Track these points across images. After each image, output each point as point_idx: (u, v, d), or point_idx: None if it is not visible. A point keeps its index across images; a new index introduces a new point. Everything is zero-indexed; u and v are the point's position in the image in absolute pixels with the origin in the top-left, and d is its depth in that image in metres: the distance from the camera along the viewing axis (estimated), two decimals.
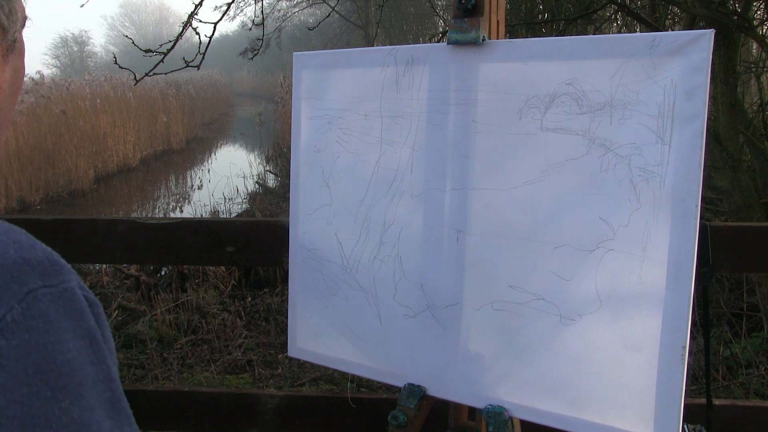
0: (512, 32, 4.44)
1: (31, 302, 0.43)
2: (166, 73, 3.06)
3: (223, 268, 4.97)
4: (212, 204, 8.62)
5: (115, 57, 3.15)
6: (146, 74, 3.06)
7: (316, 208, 1.36)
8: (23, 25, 0.58)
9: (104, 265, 5.34)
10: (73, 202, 10.11)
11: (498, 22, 1.18)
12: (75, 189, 10.61)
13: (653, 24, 3.90)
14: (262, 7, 4.12)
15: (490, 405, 1.17)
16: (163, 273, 5.16)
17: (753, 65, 4.25)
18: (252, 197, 9.07)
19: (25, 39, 0.60)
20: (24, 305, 0.43)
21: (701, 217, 0.99)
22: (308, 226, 1.38)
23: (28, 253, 0.45)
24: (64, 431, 0.42)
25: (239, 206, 8.81)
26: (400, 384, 1.27)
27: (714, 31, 0.96)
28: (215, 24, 3.25)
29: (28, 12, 0.57)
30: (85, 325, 0.46)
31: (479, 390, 1.19)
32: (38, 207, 9.79)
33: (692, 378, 2.76)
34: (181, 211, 9.33)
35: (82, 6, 3.55)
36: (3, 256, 0.44)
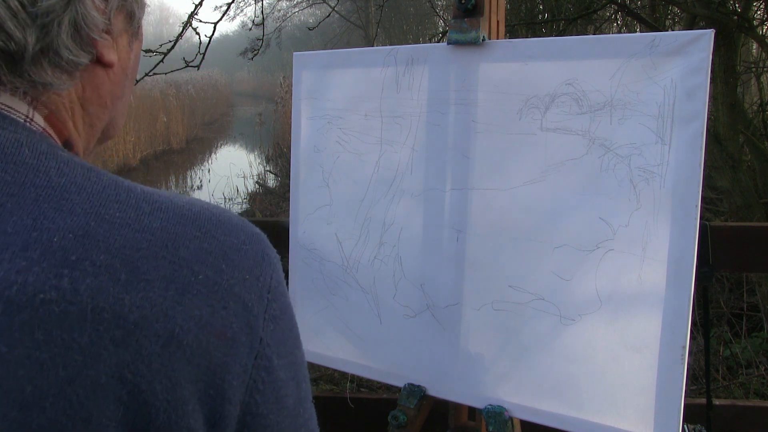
0: (512, 32, 4.43)
1: (275, 268, 0.51)
2: (166, 73, 3.06)
3: None
4: None
5: None
6: (146, 74, 3.06)
7: (316, 208, 1.36)
8: (144, 11, 0.62)
9: None
10: None
11: (498, 22, 1.18)
12: None
13: (653, 24, 3.90)
14: (262, 7, 4.12)
15: (490, 405, 1.17)
16: None
17: (753, 65, 4.25)
18: (252, 197, 9.07)
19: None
20: (274, 272, 0.51)
21: (701, 217, 0.99)
22: (308, 226, 1.38)
23: (256, 229, 0.52)
24: (306, 372, 0.54)
25: (239, 206, 8.81)
26: (400, 384, 1.27)
27: (714, 31, 0.96)
28: (215, 24, 3.24)
29: None
30: (286, 285, 0.55)
31: (479, 390, 1.19)
32: None
33: (692, 378, 2.76)
34: None
35: None
36: (249, 231, 0.51)
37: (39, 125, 0.50)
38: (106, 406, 0.41)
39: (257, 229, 0.52)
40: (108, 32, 0.53)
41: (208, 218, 0.49)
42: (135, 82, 0.66)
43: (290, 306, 0.53)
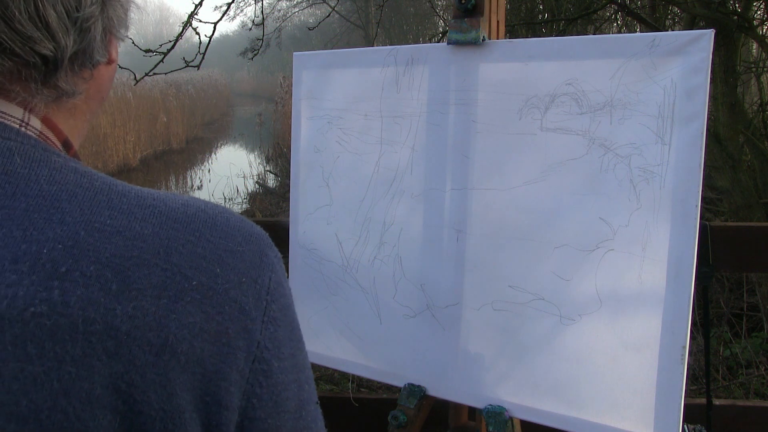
0: (512, 32, 4.44)
1: (276, 270, 0.51)
2: (166, 73, 3.06)
3: None
4: None
5: None
6: (146, 74, 3.06)
7: (316, 208, 1.36)
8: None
9: None
10: None
11: (498, 22, 1.18)
12: None
13: (653, 24, 3.90)
14: (262, 7, 4.12)
15: (490, 405, 1.17)
16: None
17: (753, 65, 4.25)
18: (252, 197, 9.06)
19: None
20: (274, 274, 0.50)
21: (701, 217, 0.99)
22: (308, 226, 1.38)
23: (256, 229, 0.52)
24: (310, 374, 0.53)
25: (239, 206, 8.80)
26: (400, 384, 1.27)
27: (714, 31, 0.96)
28: (215, 24, 3.24)
29: None
30: (289, 286, 0.54)
31: (479, 390, 1.19)
32: None
33: (692, 378, 2.76)
34: None
35: None
36: (248, 233, 0.50)
37: (35, 129, 0.49)
38: (102, 417, 0.41)
39: (257, 229, 0.52)
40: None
41: (204, 221, 0.48)
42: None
43: (292, 306, 0.52)
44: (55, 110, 0.51)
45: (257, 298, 0.48)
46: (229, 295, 0.46)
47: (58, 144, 0.52)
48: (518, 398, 1.15)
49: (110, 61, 0.55)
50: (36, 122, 0.49)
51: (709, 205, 4.33)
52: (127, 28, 0.57)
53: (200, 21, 3.19)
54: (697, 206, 0.98)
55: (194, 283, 0.45)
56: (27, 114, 0.49)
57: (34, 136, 0.49)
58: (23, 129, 0.48)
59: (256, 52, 4.25)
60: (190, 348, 0.44)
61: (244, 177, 10.10)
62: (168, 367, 0.43)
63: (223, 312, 0.46)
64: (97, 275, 0.42)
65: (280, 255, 0.53)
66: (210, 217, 0.49)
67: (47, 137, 0.50)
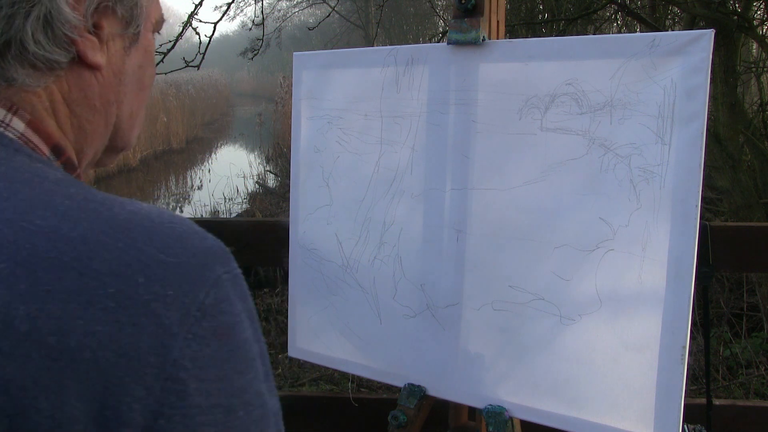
0: (512, 32, 4.44)
1: (219, 286, 0.48)
2: (166, 73, 3.06)
3: None
4: (212, 204, 8.62)
5: None
6: None
7: (316, 208, 1.36)
8: (156, 28, 0.63)
9: None
10: None
11: (498, 22, 1.18)
12: None
13: (653, 24, 3.90)
14: (262, 7, 4.12)
15: (490, 405, 1.17)
16: None
17: (753, 65, 4.25)
18: (252, 197, 9.06)
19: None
20: (215, 290, 0.47)
21: (701, 217, 0.99)
22: (308, 226, 1.38)
23: (207, 243, 0.49)
24: (252, 400, 0.49)
25: (239, 206, 8.80)
26: (400, 384, 1.27)
27: (714, 31, 0.96)
28: (215, 24, 3.25)
29: None
30: (250, 306, 0.51)
31: (479, 390, 1.19)
32: None
33: (692, 378, 2.76)
34: (181, 212, 9.32)
35: None
36: (192, 245, 0.48)
37: (16, 131, 0.50)
38: None
39: (211, 243, 0.49)
40: (92, 33, 0.54)
41: (144, 228, 0.47)
42: (147, 93, 0.65)
43: (236, 327, 0.48)
44: (35, 113, 0.52)
45: (184, 314, 0.45)
46: (149, 307, 0.44)
47: (45, 148, 0.52)
48: (518, 398, 1.15)
49: (90, 65, 0.55)
50: (18, 124, 0.50)
51: (709, 205, 4.33)
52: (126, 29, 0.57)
53: (200, 21, 3.19)
54: (697, 206, 0.98)
55: (111, 290, 0.43)
56: (9, 115, 0.50)
57: (14, 137, 0.49)
58: (2, 129, 0.49)
59: (256, 52, 4.25)
60: (92, 357, 0.42)
61: (244, 177, 10.10)
62: (64, 374, 0.41)
63: (138, 324, 0.43)
64: (8, 273, 0.42)
65: (238, 273, 0.50)
66: (154, 225, 0.47)
67: (29, 140, 0.51)
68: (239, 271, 0.51)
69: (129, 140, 0.65)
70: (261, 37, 3.95)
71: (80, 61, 0.54)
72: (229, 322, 0.48)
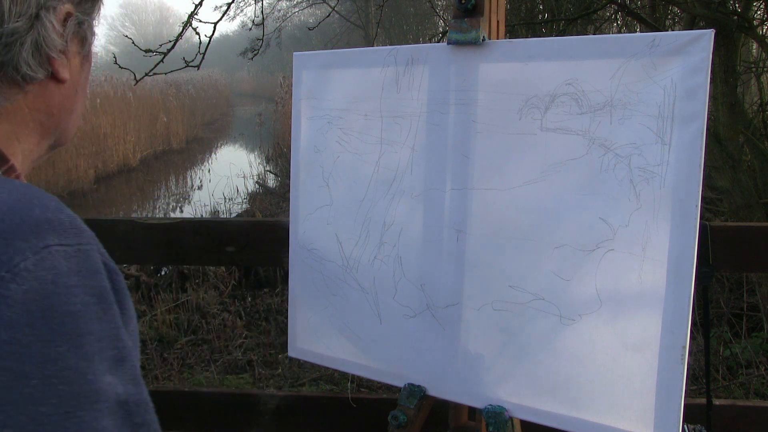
0: (512, 32, 4.44)
1: (45, 255, 0.48)
2: (166, 73, 3.06)
3: (223, 268, 4.96)
4: (212, 204, 8.62)
5: (115, 57, 3.15)
6: (146, 74, 3.06)
7: (316, 208, 1.36)
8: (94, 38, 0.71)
9: None
10: (73, 203, 10.08)
11: (498, 22, 1.18)
12: (75, 189, 10.60)
13: (653, 24, 3.90)
14: (262, 7, 4.12)
15: (490, 405, 1.17)
16: (163, 273, 5.15)
17: (753, 65, 4.25)
18: (252, 197, 9.06)
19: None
20: (38, 257, 0.48)
21: (701, 217, 0.99)
22: (308, 226, 1.38)
23: (52, 215, 0.50)
24: (59, 373, 0.47)
25: (239, 206, 8.80)
26: (400, 384, 1.27)
27: (714, 31, 0.96)
28: (215, 24, 3.25)
29: None
30: (97, 284, 0.51)
31: (479, 390, 1.19)
32: None
33: (692, 378, 2.76)
34: (182, 211, 9.32)
35: None
36: (27, 213, 0.49)
37: None
38: None
39: (51, 217, 0.50)
40: (64, 53, 0.61)
41: None
42: (87, 98, 0.74)
43: (56, 297, 0.48)
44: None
45: None
46: None
47: None
48: (518, 398, 1.15)
49: (59, 80, 0.61)
50: None
51: (709, 205, 4.33)
52: (83, 47, 0.65)
53: (200, 21, 3.20)
54: (697, 206, 0.98)
55: None
56: None
57: None
58: None
59: (256, 52, 4.25)
60: None
61: (244, 177, 10.10)
62: None
63: None
64: None
65: (86, 250, 0.51)
66: (2, 198, 0.50)
67: None
68: (91, 248, 0.52)
69: (70, 137, 0.71)
70: (261, 37, 3.95)
71: (51, 76, 0.61)
72: (46, 290, 0.47)
